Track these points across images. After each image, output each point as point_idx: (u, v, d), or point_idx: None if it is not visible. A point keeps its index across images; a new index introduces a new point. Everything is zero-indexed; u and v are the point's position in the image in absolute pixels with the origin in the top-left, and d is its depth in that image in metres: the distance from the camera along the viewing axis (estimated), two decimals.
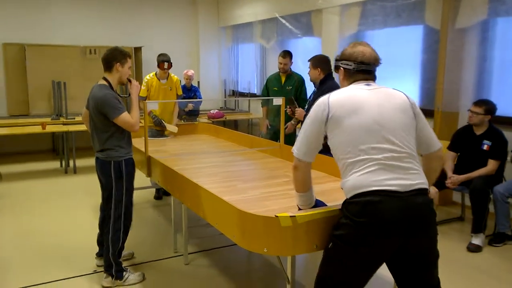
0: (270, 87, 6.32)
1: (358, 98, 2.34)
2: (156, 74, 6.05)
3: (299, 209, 2.58)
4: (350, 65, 2.47)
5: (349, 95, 2.37)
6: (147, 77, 6.07)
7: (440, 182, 4.84)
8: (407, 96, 2.43)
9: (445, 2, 5.65)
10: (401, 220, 2.17)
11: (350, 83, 2.47)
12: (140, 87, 4.05)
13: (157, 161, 4.13)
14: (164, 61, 5.89)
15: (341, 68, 2.52)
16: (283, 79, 6.23)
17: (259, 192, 3.42)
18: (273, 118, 6.32)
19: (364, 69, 2.45)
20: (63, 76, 9.03)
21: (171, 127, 5.99)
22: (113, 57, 3.72)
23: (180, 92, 6.27)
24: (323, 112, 2.34)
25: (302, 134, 2.45)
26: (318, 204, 2.60)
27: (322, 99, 2.40)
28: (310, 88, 6.17)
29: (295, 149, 2.44)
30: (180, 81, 6.58)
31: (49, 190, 6.73)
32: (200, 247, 4.58)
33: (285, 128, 5.64)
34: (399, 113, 2.33)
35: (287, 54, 6.17)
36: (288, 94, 6.00)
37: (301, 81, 6.19)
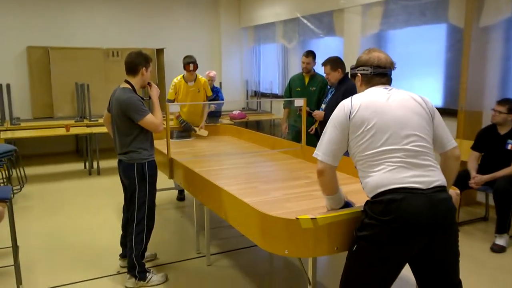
0: (293, 87, 6.32)
1: (379, 100, 2.40)
2: (183, 76, 6.10)
3: (331, 210, 2.61)
4: (367, 70, 2.54)
5: (370, 97, 2.42)
6: (175, 80, 6.12)
7: (463, 182, 4.82)
8: (423, 98, 2.49)
9: (469, 0, 5.61)
10: (427, 216, 2.19)
11: (368, 88, 2.53)
12: (160, 90, 4.11)
13: (179, 163, 4.19)
14: (189, 63, 5.93)
15: (358, 74, 2.59)
16: (306, 80, 6.23)
17: (280, 193, 3.45)
18: (295, 119, 6.33)
19: (380, 73, 2.52)
20: (86, 78, 9.18)
21: (201, 132, 6.08)
22: (139, 62, 3.78)
23: (209, 93, 6.30)
24: (346, 113, 2.40)
25: (325, 137, 2.48)
26: (348, 205, 2.63)
27: (345, 101, 2.45)
28: None
29: (319, 152, 2.47)
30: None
31: (73, 192, 6.86)
32: (222, 248, 4.63)
33: (310, 131, 5.66)
34: (417, 114, 2.39)
35: (310, 54, 6.17)
36: (312, 95, 6.02)
37: (325, 82, 6.11)
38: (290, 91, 6.37)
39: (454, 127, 5.77)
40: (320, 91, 6.09)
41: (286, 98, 6.49)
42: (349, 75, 2.76)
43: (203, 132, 6.08)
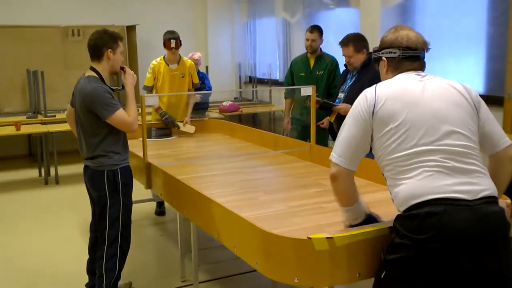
0: (296, 72, 6.31)
1: (411, 90, 2.38)
2: (164, 58, 6.10)
3: (350, 226, 2.60)
4: (395, 53, 2.52)
5: (399, 87, 2.41)
6: (154, 62, 6.14)
7: None
8: (465, 87, 2.46)
9: None
10: (474, 234, 2.17)
11: (396, 75, 2.51)
12: (136, 76, 4.09)
13: (158, 168, 4.18)
14: (170, 39, 5.94)
15: (383, 58, 2.58)
16: (312, 62, 6.21)
17: (286, 206, 3.43)
18: (300, 111, 6.31)
19: (411, 56, 2.51)
20: (40, 64, 9.10)
21: (186, 127, 6.06)
22: (103, 43, 3.77)
23: (196, 79, 6.33)
24: (369, 107, 2.38)
25: (342, 134, 2.47)
26: (371, 219, 2.61)
27: (368, 91, 2.44)
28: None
29: (334, 154, 2.46)
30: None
31: (26, 205, 6.84)
32: (214, 275, 4.62)
33: (321, 124, 5.65)
34: (459, 106, 2.37)
35: (315, 29, 6.15)
36: (319, 81, 6.01)
37: (335, 64, 6.17)
38: (292, 77, 6.36)
39: (499, 119, 5.76)
40: (329, 76, 6.09)
41: (287, 85, 6.47)
42: (372, 59, 2.73)
43: (189, 128, 6.08)
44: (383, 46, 2.59)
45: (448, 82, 2.46)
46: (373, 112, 2.36)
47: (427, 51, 2.56)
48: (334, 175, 2.46)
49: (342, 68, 5.91)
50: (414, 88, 2.38)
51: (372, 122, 2.37)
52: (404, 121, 2.31)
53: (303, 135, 5.92)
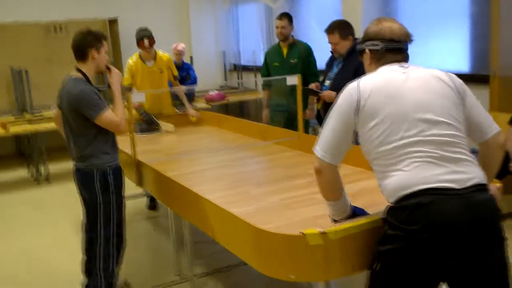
0: (270, 63, 6.27)
1: (394, 82, 2.38)
2: (140, 55, 6.06)
3: (334, 220, 2.61)
4: (378, 45, 2.52)
5: (383, 79, 2.40)
6: (130, 61, 6.08)
7: (502, 166, 4.82)
8: (449, 75, 2.46)
9: None
10: (463, 223, 2.18)
11: (379, 67, 2.51)
12: (122, 74, 4.07)
13: (148, 166, 4.17)
14: (143, 38, 5.87)
15: (367, 51, 2.57)
16: (284, 51, 6.16)
17: (277, 198, 3.44)
18: (279, 101, 6.25)
19: (394, 48, 2.50)
20: (23, 62, 9.06)
21: (166, 126, 5.98)
22: (87, 43, 3.73)
23: (175, 72, 6.29)
24: (353, 101, 2.37)
25: (326, 129, 2.47)
26: (357, 212, 2.62)
27: (351, 86, 2.43)
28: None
29: (318, 148, 2.46)
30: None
31: (17, 205, 6.83)
32: (210, 267, 4.64)
33: (304, 116, 5.64)
34: (443, 96, 2.37)
35: (284, 16, 6.06)
36: (294, 69, 5.94)
37: (308, 51, 6.12)
38: (268, 68, 6.32)
39: (486, 97, 5.78)
40: (303, 63, 6.03)
41: (263, 77, 6.43)
42: (357, 51, 2.73)
43: (170, 127, 5.96)
44: (366, 38, 2.58)
45: (431, 72, 2.45)
46: (357, 108, 2.36)
47: (410, 43, 2.55)
48: (317, 169, 2.47)
49: (316, 55, 5.90)
50: (397, 80, 2.38)
51: (357, 118, 2.37)
52: (389, 114, 2.30)
53: (284, 124, 5.91)
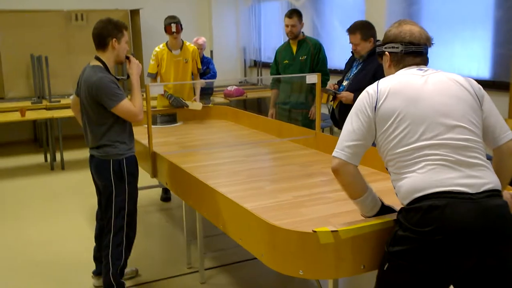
0: (280, 60, 6.22)
1: (413, 85, 2.40)
2: (167, 44, 6.13)
3: (365, 217, 2.62)
4: (397, 48, 2.54)
5: (401, 82, 2.43)
6: (156, 49, 6.18)
7: None
8: (468, 80, 2.48)
9: None
10: (477, 227, 2.19)
11: (398, 70, 2.53)
12: (142, 66, 4.10)
13: (163, 158, 4.20)
14: (171, 24, 5.96)
15: (386, 53, 2.59)
16: (294, 48, 6.08)
17: (292, 196, 3.46)
18: (288, 100, 6.19)
19: (414, 51, 2.52)
20: (43, 49, 9.09)
21: (194, 105, 6.12)
22: (107, 32, 3.77)
23: (200, 65, 6.39)
24: (372, 102, 2.40)
25: (345, 130, 2.49)
26: (385, 209, 2.62)
27: (370, 87, 2.47)
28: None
29: (337, 148, 2.48)
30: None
31: (32, 192, 6.88)
32: (220, 261, 4.66)
33: (309, 116, 5.66)
34: (461, 100, 2.39)
35: (294, 14, 5.97)
36: (303, 66, 5.93)
37: (318, 47, 6.01)
38: (277, 66, 6.28)
39: (505, 105, 5.76)
40: (313, 60, 5.97)
41: (272, 75, 6.39)
42: (376, 53, 2.74)
43: (197, 105, 6.13)
44: (386, 40, 2.60)
45: (450, 76, 2.47)
46: (375, 108, 2.39)
47: (430, 47, 2.57)
48: (335, 169, 2.48)
49: (337, 54, 5.88)
50: (416, 83, 2.40)
51: (375, 118, 2.39)
52: (406, 116, 2.33)
53: (300, 123, 5.87)
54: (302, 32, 6.11)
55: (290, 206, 3.27)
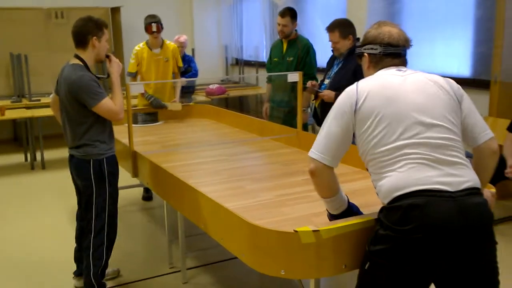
0: (272, 57, 6.22)
1: (392, 85, 2.41)
2: (147, 43, 6.12)
3: (330, 214, 2.65)
4: (376, 49, 2.55)
5: (380, 82, 2.44)
6: (136, 47, 6.15)
7: (498, 171, 4.81)
8: (447, 80, 2.50)
9: None
10: (456, 225, 2.20)
11: (377, 71, 2.55)
12: (122, 64, 4.08)
13: (144, 158, 4.18)
14: (151, 23, 5.93)
15: (365, 54, 2.60)
16: (284, 47, 6.03)
17: (273, 195, 3.46)
18: (276, 97, 6.20)
19: (392, 52, 2.53)
20: (23, 47, 9.05)
21: (173, 105, 6.09)
22: (87, 31, 3.74)
23: (180, 63, 6.36)
24: (351, 103, 2.41)
25: (324, 132, 2.49)
26: (353, 208, 2.65)
27: (349, 88, 2.47)
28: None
29: (314, 149, 2.48)
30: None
31: (12, 191, 6.83)
32: (202, 261, 4.65)
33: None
34: (440, 100, 2.40)
35: (286, 13, 5.85)
36: (289, 67, 5.86)
37: (306, 50, 5.88)
38: (271, 61, 6.27)
39: (485, 102, 5.81)
40: (299, 63, 5.85)
41: (268, 70, 6.39)
42: (355, 54, 2.76)
43: (176, 106, 6.10)
44: (365, 42, 2.61)
45: (429, 76, 2.48)
46: (355, 109, 2.39)
47: (408, 48, 2.59)
48: (312, 171, 2.48)
49: (319, 53, 5.87)
50: (395, 83, 2.42)
51: (354, 119, 2.40)
52: (385, 115, 2.33)
53: (282, 121, 5.86)
54: (296, 31, 5.99)
55: (271, 205, 3.26)
